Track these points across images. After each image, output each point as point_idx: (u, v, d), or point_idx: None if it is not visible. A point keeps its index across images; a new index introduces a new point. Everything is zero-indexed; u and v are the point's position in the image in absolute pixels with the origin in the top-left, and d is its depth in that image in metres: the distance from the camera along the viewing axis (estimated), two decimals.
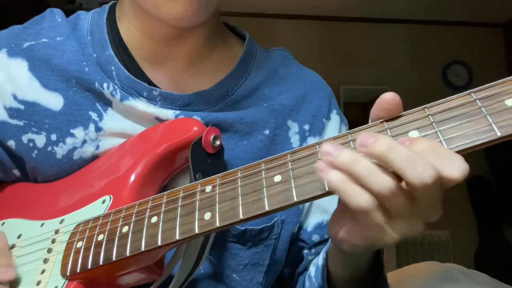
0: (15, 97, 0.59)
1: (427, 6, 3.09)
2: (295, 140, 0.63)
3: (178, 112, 0.58)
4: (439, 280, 1.39)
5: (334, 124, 0.67)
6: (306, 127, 0.64)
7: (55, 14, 0.63)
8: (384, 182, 0.34)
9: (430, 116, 0.37)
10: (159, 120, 0.58)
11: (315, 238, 0.64)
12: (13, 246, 0.56)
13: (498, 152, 3.01)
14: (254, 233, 0.59)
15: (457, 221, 3.03)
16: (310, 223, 0.64)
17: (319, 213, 0.64)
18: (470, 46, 3.33)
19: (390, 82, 3.24)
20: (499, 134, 0.33)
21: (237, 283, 0.60)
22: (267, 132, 0.61)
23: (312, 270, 0.60)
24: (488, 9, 3.12)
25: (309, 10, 3.21)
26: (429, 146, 0.34)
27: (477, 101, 0.35)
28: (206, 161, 0.54)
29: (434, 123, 0.36)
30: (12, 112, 0.59)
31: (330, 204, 0.64)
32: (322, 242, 0.64)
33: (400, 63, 3.30)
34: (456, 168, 0.33)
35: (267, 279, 0.62)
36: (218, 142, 0.55)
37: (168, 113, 0.58)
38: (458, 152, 0.34)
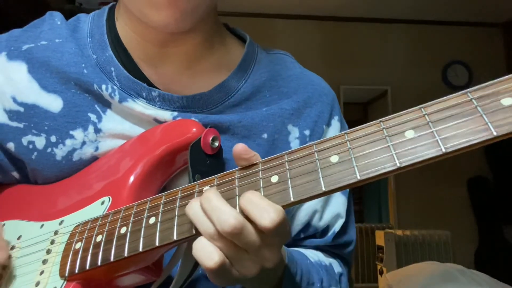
0: (14, 100, 0.59)
1: (427, 6, 3.09)
2: (295, 145, 0.62)
3: (176, 113, 0.58)
4: (439, 280, 1.39)
5: (334, 131, 0.66)
6: (307, 132, 0.63)
7: (54, 17, 0.63)
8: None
9: (426, 116, 0.37)
10: (157, 121, 0.58)
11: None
12: (13, 247, 0.56)
13: (498, 152, 3.01)
14: None
15: (457, 221, 3.04)
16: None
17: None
18: (470, 46, 3.34)
19: (390, 82, 3.25)
20: (495, 133, 0.33)
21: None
22: (265, 136, 0.61)
23: None
24: (488, 9, 3.13)
25: (309, 10, 3.21)
26: (249, 199, 0.39)
27: (473, 100, 0.35)
28: (205, 162, 0.53)
29: (430, 123, 0.36)
30: (12, 114, 0.59)
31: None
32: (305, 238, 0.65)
33: (400, 63, 3.30)
34: (267, 218, 0.38)
35: None
36: (217, 144, 0.55)
37: (166, 115, 0.58)
38: (454, 151, 0.34)
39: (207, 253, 0.40)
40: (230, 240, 0.40)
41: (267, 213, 0.38)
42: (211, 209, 0.40)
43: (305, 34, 3.28)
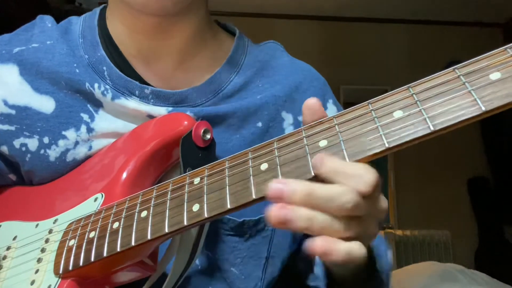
0: (5, 103, 0.59)
1: (427, 6, 3.09)
2: (289, 131, 0.62)
3: (170, 109, 0.58)
4: (439, 280, 1.40)
5: (331, 114, 0.66)
6: (301, 118, 0.63)
7: (45, 20, 0.64)
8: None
9: (414, 95, 0.36)
10: (152, 117, 0.58)
11: None
12: (9, 248, 0.56)
13: (498, 152, 3.00)
14: (251, 224, 0.59)
15: (457, 221, 3.03)
16: None
17: None
18: (470, 46, 3.33)
19: (390, 82, 3.24)
20: (483, 108, 0.33)
21: (235, 277, 0.59)
22: (259, 124, 0.61)
23: (318, 270, 0.61)
24: (488, 9, 3.13)
25: (309, 10, 3.21)
26: (335, 170, 0.36)
27: (461, 77, 0.35)
28: (197, 155, 0.53)
29: (418, 102, 0.36)
30: (2, 118, 0.59)
31: None
32: None
33: (400, 63, 3.29)
34: (364, 182, 0.35)
35: (266, 274, 0.62)
36: (208, 136, 0.54)
37: (161, 110, 0.58)
38: (443, 129, 0.34)
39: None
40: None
41: (360, 178, 0.36)
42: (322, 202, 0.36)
43: (305, 34, 3.28)
